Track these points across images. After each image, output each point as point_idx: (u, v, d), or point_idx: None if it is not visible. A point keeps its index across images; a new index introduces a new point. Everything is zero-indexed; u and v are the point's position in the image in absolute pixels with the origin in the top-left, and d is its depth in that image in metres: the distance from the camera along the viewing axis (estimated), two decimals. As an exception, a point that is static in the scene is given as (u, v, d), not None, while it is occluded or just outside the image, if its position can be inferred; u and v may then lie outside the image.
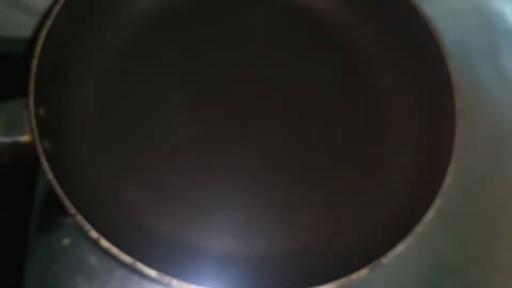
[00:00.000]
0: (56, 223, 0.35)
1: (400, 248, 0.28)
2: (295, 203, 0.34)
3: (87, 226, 0.27)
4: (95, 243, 0.27)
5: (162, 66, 0.37)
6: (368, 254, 0.28)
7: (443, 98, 0.34)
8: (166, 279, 0.26)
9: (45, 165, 0.28)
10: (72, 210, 0.27)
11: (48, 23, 0.31)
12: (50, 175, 0.28)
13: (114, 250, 0.26)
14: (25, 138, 0.29)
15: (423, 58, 0.36)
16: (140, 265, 0.26)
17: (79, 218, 0.27)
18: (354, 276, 0.26)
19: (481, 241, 0.38)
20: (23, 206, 0.36)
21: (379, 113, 0.38)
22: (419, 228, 0.28)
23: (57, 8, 0.32)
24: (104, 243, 0.26)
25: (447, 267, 0.37)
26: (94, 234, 0.26)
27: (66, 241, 0.34)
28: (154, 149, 0.35)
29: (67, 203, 0.27)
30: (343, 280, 0.26)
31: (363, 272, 0.27)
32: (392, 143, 0.36)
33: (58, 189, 0.27)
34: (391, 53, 0.39)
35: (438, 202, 0.29)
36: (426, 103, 0.36)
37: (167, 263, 0.31)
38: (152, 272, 0.26)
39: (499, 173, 0.40)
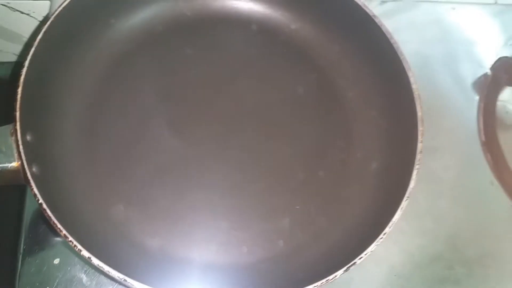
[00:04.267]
0: (45, 243, 0.36)
1: (371, 248, 0.30)
2: (273, 212, 0.36)
3: (78, 247, 0.28)
4: (87, 262, 0.28)
5: (144, 88, 0.39)
6: (343, 256, 0.31)
7: (405, 108, 0.37)
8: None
9: (34, 190, 0.29)
10: (63, 232, 0.28)
11: (31, 51, 0.33)
12: (40, 200, 0.29)
13: (106, 268, 0.28)
14: (13, 164, 0.30)
15: (386, 72, 0.39)
16: (130, 281, 0.28)
17: (70, 239, 0.28)
18: (330, 277, 0.28)
19: (446, 238, 0.40)
20: (11, 227, 0.36)
21: (348, 124, 0.40)
22: (388, 229, 0.31)
23: (39, 36, 0.33)
24: (96, 261, 0.28)
25: (416, 262, 0.39)
26: (85, 253, 0.28)
27: (56, 261, 0.36)
28: (139, 168, 0.36)
29: (58, 226, 0.28)
30: (320, 282, 0.28)
31: (339, 273, 0.29)
32: (361, 151, 0.39)
33: (49, 213, 0.28)
34: (357, 69, 0.41)
35: (404, 203, 0.32)
36: (390, 113, 0.39)
37: (156, 276, 0.32)
38: (142, 287, 0.28)
39: (461, 174, 0.43)
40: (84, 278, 0.35)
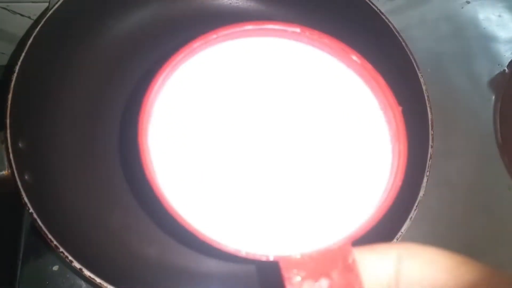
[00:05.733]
0: (44, 249, 0.35)
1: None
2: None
3: (69, 258, 0.27)
4: (78, 273, 0.27)
5: (140, 91, 0.38)
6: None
7: (415, 109, 0.35)
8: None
9: (24, 199, 0.28)
10: (54, 243, 0.27)
11: (21, 55, 0.32)
12: (30, 209, 0.28)
13: (97, 280, 0.27)
14: (3, 172, 0.30)
15: (395, 71, 0.37)
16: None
17: (61, 250, 0.27)
18: None
19: (458, 246, 0.38)
20: (10, 233, 0.36)
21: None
22: (396, 240, 0.29)
23: (29, 41, 0.32)
24: (87, 272, 0.27)
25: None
26: (76, 264, 0.27)
27: (55, 268, 0.35)
28: (138, 172, 0.35)
29: (49, 236, 0.27)
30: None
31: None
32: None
33: (39, 223, 0.28)
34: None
35: (413, 213, 0.30)
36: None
37: (153, 286, 0.31)
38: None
39: (476, 178, 0.41)
40: (84, 284, 0.34)
